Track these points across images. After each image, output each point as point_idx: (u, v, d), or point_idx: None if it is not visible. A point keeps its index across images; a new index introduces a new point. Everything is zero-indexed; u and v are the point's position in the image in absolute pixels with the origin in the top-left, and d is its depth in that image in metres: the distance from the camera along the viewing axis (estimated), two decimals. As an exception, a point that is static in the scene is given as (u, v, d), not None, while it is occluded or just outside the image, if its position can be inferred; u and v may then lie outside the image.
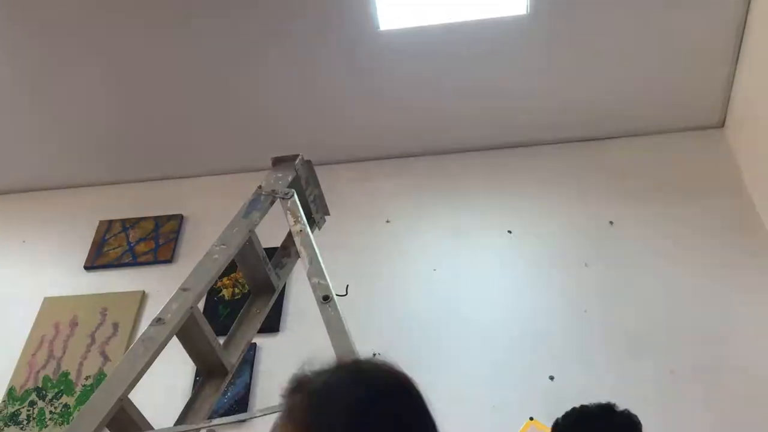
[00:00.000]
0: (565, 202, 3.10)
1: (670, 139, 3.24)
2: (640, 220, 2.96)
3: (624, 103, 3.16)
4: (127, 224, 3.41)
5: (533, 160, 3.30)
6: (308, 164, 2.01)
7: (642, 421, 2.33)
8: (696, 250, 2.82)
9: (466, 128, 3.30)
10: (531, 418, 2.46)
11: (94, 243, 3.36)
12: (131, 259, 3.27)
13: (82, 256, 3.32)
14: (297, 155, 1.96)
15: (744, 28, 2.86)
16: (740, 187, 2.99)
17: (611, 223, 2.98)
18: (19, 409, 2.78)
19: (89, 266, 3.28)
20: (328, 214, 2.15)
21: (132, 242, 3.33)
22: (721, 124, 3.23)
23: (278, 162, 1.97)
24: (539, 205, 3.12)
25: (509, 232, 3.05)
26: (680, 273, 2.76)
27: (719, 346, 2.53)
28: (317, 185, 2.07)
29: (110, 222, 3.43)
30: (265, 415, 1.53)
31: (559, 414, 2.43)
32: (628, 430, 1.61)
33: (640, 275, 2.79)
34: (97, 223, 3.44)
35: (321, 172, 2.10)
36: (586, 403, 2.40)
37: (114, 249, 3.32)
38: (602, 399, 2.44)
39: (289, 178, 1.90)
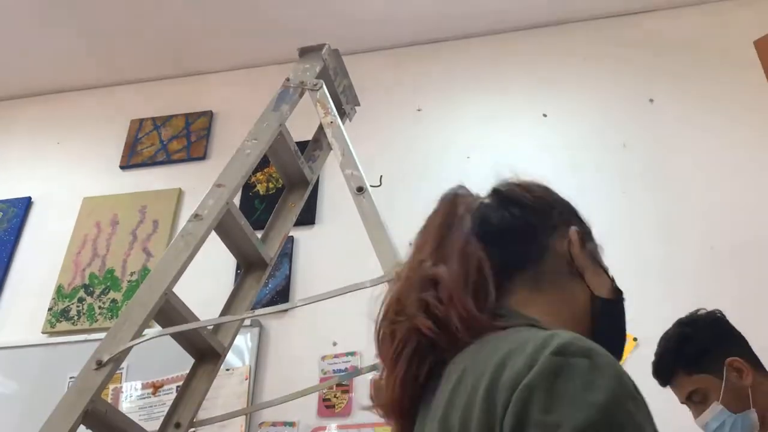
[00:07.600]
0: (602, 81, 2.99)
1: (715, 9, 3.06)
2: (682, 96, 2.85)
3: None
4: (158, 122, 3.41)
5: (568, 39, 3.15)
6: (335, 53, 1.96)
7: (680, 295, 2.33)
8: (741, 127, 2.71)
9: (495, 8, 3.16)
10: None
11: (127, 142, 3.37)
12: (165, 157, 3.29)
13: (117, 155, 3.35)
14: (323, 44, 1.91)
15: None
16: (789, 59, 2.84)
17: (651, 100, 2.88)
18: (68, 305, 2.89)
19: (125, 165, 3.31)
20: (358, 105, 2.11)
21: (165, 140, 3.34)
22: (772, -9, 3.04)
23: (305, 52, 1.92)
24: (575, 85, 3.02)
25: (544, 115, 2.96)
26: (723, 150, 2.67)
27: (761, 223, 2.49)
28: (346, 75, 2.02)
29: (141, 121, 3.43)
30: (306, 304, 1.56)
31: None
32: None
33: (681, 154, 2.71)
34: (128, 123, 3.44)
35: (348, 62, 2.05)
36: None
37: (147, 148, 3.34)
38: (643, 279, 2.45)
39: (317, 69, 1.86)
